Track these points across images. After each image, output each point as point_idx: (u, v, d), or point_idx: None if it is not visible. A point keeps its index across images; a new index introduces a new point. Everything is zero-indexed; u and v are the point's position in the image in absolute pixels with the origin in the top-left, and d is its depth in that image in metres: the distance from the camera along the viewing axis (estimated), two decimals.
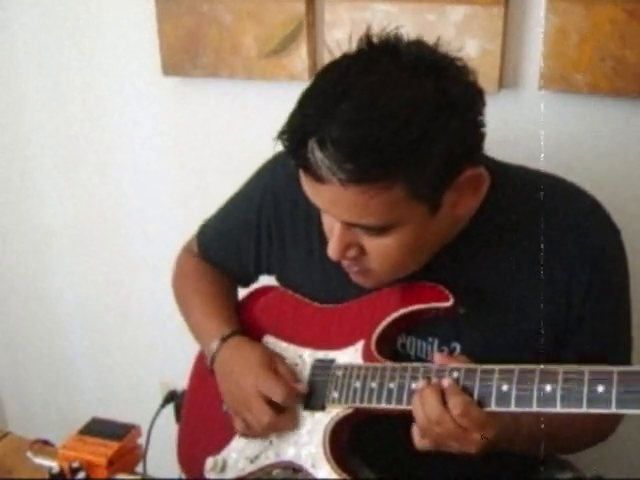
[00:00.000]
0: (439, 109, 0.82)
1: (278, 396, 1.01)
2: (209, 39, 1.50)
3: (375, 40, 0.87)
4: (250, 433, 1.06)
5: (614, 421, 1.05)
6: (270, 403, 1.01)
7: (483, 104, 0.88)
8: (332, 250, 0.92)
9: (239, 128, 1.61)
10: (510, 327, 0.98)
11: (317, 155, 0.82)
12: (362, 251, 0.93)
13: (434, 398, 0.86)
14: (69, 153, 1.85)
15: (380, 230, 0.88)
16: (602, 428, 1.05)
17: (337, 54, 0.89)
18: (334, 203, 0.87)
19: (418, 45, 0.87)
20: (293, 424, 1.03)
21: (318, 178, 0.84)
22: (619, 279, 1.00)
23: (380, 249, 0.91)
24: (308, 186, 0.89)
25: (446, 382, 0.87)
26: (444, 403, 0.85)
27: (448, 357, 0.91)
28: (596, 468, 1.12)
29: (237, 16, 1.46)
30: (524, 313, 0.97)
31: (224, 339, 1.10)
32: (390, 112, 0.80)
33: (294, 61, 1.44)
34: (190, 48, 1.53)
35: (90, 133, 1.79)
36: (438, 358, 0.91)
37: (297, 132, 0.84)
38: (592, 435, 1.05)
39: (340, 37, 1.37)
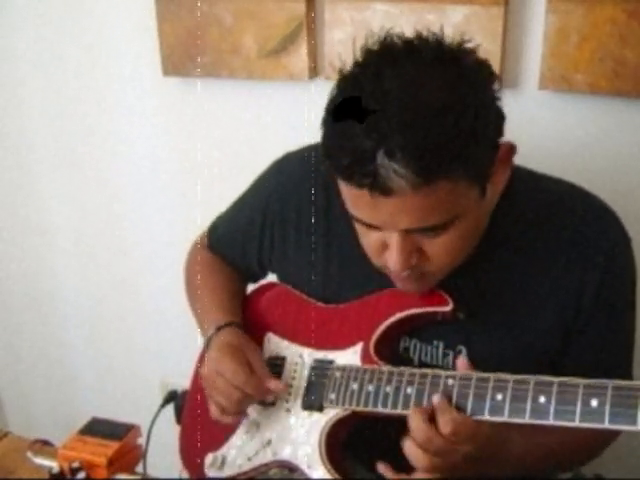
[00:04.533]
0: (476, 92, 0.83)
1: (238, 380, 1.01)
2: (209, 39, 1.50)
3: (386, 44, 0.87)
4: (224, 416, 1.05)
5: (609, 437, 1.04)
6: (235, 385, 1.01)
7: (496, 77, 0.88)
8: (396, 262, 0.89)
9: (239, 128, 1.61)
10: (518, 331, 0.97)
11: (388, 166, 0.80)
12: (422, 255, 0.91)
13: (420, 419, 0.85)
14: (69, 153, 1.85)
15: (441, 228, 0.87)
16: (595, 445, 1.04)
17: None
18: (399, 213, 0.84)
19: (424, 38, 0.87)
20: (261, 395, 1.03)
21: (386, 191, 0.82)
22: (627, 286, 1.00)
23: (441, 248, 0.90)
24: (367, 204, 0.85)
25: (436, 399, 0.87)
26: (431, 421, 0.85)
27: (471, 366, 0.90)
28: (596, 468, 1.12)
29: (237, 16, 1.46)
30: (532, 318, 0.97)
31: (219, 328, 1.10)
32: (440, 107, 0.80)
33: (294, 61, 1.44)
34: (190, 48, 1.53)
35: (90, 133, 1.79)
36: (462, 364, 0.90)
37: (359, 151, 0.82)
38: (585, 453, 1.04)
39: (340, 37, 1.38)
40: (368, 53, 0.87)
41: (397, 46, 0.86)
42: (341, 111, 0.85)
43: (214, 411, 1.06)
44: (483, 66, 0.88)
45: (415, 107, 0.80)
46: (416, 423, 0.86)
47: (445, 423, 0.84)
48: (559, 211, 0.97)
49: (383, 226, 0.89)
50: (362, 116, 0.81)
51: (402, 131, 0.79)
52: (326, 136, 0.87)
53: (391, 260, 0.90)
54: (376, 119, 0.80)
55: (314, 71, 1.45)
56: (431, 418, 0.86)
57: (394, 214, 0.85)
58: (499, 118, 0.87)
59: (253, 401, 1.05)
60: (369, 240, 0.93)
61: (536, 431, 0.86)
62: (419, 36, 0.87)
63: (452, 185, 0.82)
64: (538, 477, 1.09)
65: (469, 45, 0.87)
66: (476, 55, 0.87)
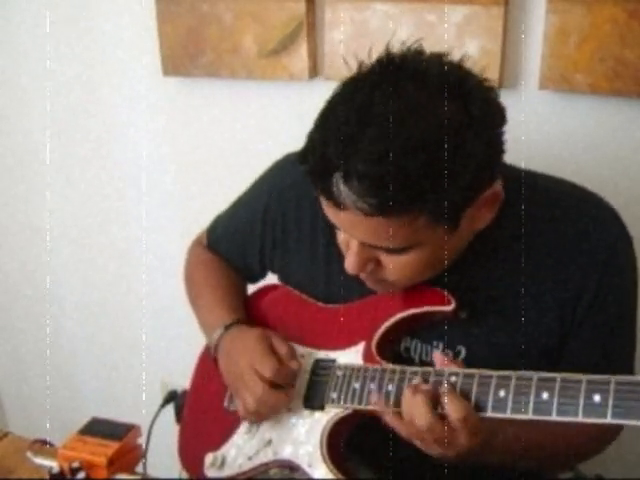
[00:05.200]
0: (465, 135, 0.80)
1: (268, 371, 1.00)
2: (209, 39, 1.50)
3: (397, 57, 0.85)
4: (249, 415, 1.04)
5: (609, 435, 1.03)
6: (265, 380, 1.00)
7: (505, 122, 0.87)
8: (350, 266, 0.92)
9: (239, 128, 1.61)
10: (517, 331, 0.97)
11: (342, 188, 0.81)
12: (379, 264, 0.92)
13: (423, 406, 0.85)
14: (69, 153, 1.85)
15: (397, 251, 0.88)
16: (594, 443, 1.03)
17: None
18: (354, 227, 0.86)
19: (441, 63, 0.84)
20: (287, 402, 1.02)
21: (339, 206, 0.83)
22: (628, 285, 0.99)
23: (398, 266, 0.91)
24: (328, 209, 0.88)
25: (444, 387, 0.86)
26: (435, 409, 0.84)
27: (449, 360, 0.90)
28: (596, 468, 1.12)
29: (237, 16, 1.46)
30: (532, 317, 0.97)
31: (227, 327, 1.10)
32: (416, 144, 0.78)
33: (294, 61, 1.44)
34: (190, 48, 1.53)
35: (90, 133, 1.79)
36: (439, 358, 0.91)
37: (321, 163, 0.82)
38: (582, 449, 1.03)
39: (340, 37, 1.38)
40: (378, 62, 0.85)
41: (406, 64, 0.84)
42: (328, 117, 0.85)
43: (242, 411, 1.04)
44: (494, 109, 0.86)
45: (393, 139, 0.78)
46: (420, 409, 0.84)
47: (455, 409, 0.83)
48: (559, 210, 0.97)
49: (343, 231, 0.91)
50: (343, 129, 0.80)
51: (369, 160, 0.79)
52: (308, 136, 0.87)
53: (347, 261, 0.92)
54: (351, 138, 0.80)
55: (314, 71, 1.45)
56: (433, 404, 0.85)
57: (349, 226, 0.87)
58: (491, 162, 0.86)
59: (273, 408, 1.02)
60: (339, 236, 0.96)
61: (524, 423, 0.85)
62: (436, 57, 0.85)
63: (410, 220, 0.82)
64: (542, 477, 1.10)
65: (486, 82, 0.86)
66: (491, 95, 0.86)
